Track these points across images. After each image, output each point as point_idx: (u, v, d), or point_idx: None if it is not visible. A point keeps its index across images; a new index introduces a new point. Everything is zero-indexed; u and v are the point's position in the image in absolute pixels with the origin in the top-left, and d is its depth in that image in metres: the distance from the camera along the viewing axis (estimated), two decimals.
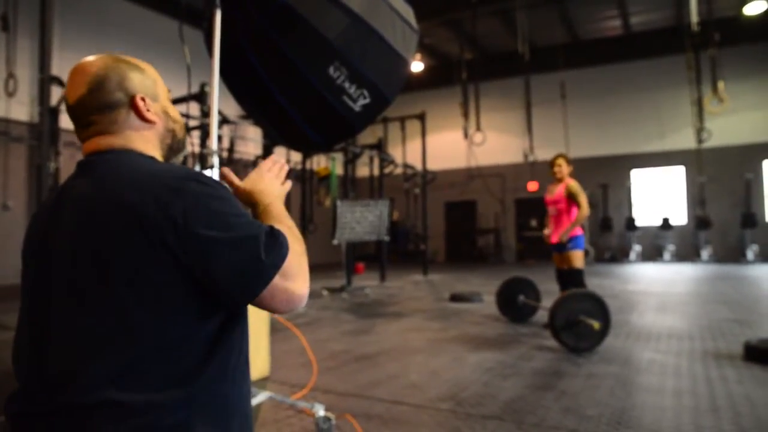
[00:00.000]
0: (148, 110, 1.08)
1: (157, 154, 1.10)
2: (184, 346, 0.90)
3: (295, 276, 0.97)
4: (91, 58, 1.07)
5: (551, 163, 5.43)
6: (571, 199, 5.22)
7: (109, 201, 0.92)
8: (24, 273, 1.02)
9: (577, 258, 5.15)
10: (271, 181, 1.18)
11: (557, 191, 5.33)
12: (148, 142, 1.08)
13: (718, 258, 15.52)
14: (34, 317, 0.96)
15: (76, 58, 1.10)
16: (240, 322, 1.00)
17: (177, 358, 0.89)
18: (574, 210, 5.26)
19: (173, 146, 1.15)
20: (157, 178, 0.93)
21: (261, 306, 0.96)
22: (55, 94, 7.65)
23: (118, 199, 0.91)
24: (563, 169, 5.31)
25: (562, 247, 5.21)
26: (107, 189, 0.94)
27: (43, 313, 0.94)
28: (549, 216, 5.50)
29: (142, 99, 1.07)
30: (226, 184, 1.11)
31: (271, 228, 0.96)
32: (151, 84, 1.11)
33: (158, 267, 0.88)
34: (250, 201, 1.16)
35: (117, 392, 0.85)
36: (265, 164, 1.21)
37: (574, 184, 5.23)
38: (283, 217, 1.11)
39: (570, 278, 5.15)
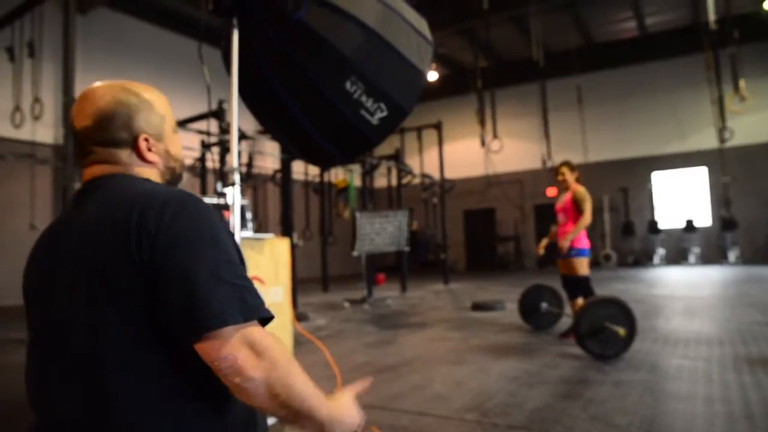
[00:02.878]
0: (149, 150, 1.07)
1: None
2: (167, 371, 0.88)
3: (264, 352, 0.85)
4: (101, 85, 1.06)
5: (555, 172, 5.39)
6: (577, 205, 5.15)
7: (104, 220, 0.92)
8: (27, 310, 1.00)
9: (581, 265, 5.06)
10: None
11: (565, 199, 5.29)
12: (147, 174, 1.08)
13: (746, 259, 15.17)
14: (38, 354, 0.95)
15: (98, 81, 1.11)
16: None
17: (160, 382, 0.88)
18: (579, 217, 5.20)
19: (171, 182, 1.15)
20: (145, 196, 0.93)
21: (207, 358, 0.84)
22: None
23: (112, 217, 0.91)
24: (567, 176, 5.26)
25: (565, 254, 5.14)
26: (103, 209, 0.94)
27: (45, 349, 0.94)
28: (558, 224, 5.44)
29: (146, 139, 1.06)
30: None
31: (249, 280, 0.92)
32: (158, 122, 1.10)
33: (139, 286, 0.87)
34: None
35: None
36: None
37: (580, 190, 5.16)
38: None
39: (577, 286, 5.07)
